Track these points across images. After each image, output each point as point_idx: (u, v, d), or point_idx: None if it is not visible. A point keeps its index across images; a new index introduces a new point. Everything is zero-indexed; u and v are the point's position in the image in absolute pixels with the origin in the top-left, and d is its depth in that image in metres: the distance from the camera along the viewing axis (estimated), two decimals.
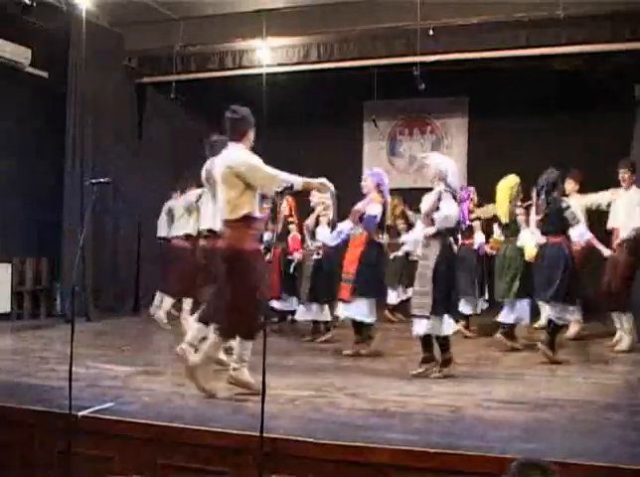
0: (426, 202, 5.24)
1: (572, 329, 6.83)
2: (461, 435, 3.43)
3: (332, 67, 8.69)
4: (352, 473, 3.26)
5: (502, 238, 6.68)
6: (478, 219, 7.28)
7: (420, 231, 5.31)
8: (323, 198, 6.47)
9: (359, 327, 6.16)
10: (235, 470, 3.40)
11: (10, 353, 6.21)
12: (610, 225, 6.59)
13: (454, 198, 5.13)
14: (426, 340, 5.16)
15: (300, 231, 7.39)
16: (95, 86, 8.48)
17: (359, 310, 6.02)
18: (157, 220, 10.08)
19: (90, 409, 3.78)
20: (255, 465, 3.15)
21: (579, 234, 5.75)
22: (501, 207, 6.52)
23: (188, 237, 7.13)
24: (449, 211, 5.03)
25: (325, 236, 6.71)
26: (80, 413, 3.69)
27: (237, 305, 4.28)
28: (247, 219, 4.27)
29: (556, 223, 5.70)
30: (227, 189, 4.28)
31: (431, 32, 7.71)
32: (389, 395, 4.42)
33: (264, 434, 3.09)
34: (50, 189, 8.39)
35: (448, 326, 5.10)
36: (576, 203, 6.76)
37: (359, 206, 6.13)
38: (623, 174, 6.39)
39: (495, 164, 8.75)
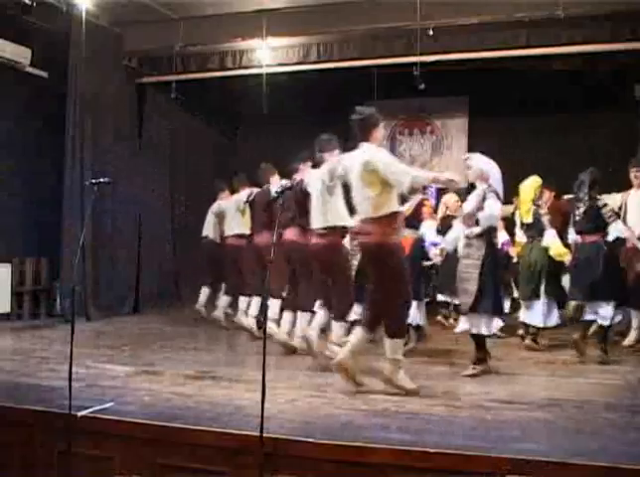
0: (469, 202, 5.26)
1: (631, 336, 6.47)
2: (461, 435, 3.43)
3: (332, 67, 8.68)
4: (352, 473, 3.26)
5: (524, 239, 6.66)
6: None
7: (459, 230, 5.36)
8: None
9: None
10: (235, 470, 3.40)
11: (10, 353, 6.21)
12: (613, 230, 6.44)
13: (497, 197, 5.16)
14: (478, 341, 5.23)
15: None
16: (95, 86, 8.47)
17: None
18: (157, 219, 10.12)
19: (90, 409, 3.79)
20: (255, 465, 3.15)
21: (617, 231, 5.75)
22: (524, 206, 6.52)
23: (241, 236, 7.41)
24: (493, 210, 5.07)
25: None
26: (80, 413, 3.69)
27: (389, 301, 4.40)
28: (391, 215, 4.39)
29: (593, 221, 5.72)
30: (365, 187, 4.38)
31: (431, 32, 7.70)
32: (389, 395, 4.42)
33: (264, 434, 3.09)
34: (50, 189, 8.38)
35: (490, 325, 5.15)
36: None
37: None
38: (636, 173, 6.34)
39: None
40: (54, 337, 6.97)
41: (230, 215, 7.78)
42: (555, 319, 6.43)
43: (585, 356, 5.67)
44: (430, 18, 7.61)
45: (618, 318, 6.01)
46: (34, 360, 5.61)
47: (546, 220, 6.40)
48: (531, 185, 6.49)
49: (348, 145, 4.76)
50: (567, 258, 6.21)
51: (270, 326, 5.80)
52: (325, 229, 5.35)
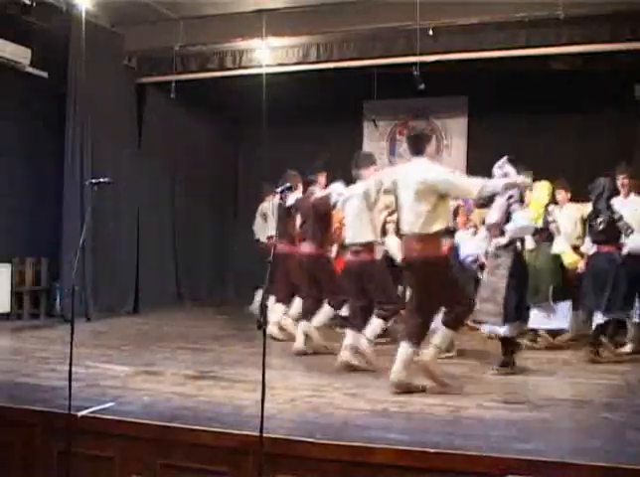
0: (494, 212, 5.27)
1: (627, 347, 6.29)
2: (461, 435, 3.43)
3: (332, 67, 8.68)
4: (352, 473, 3.26)
5: (532, 245, 6.63)
6: None
7: (483, 239, 5.45)
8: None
9: None
10: (235, 470, 3.41)
11: (10, 353, 6.21)
12: (631, 242, 6.04)
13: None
14: (504, 344, 5.29)
15: None
16: (95, 86, 8.46)
17: None
18: (157, 219, 10.13)
19: (90, 409, 3.78)
20: (255, 465, 3.15)
21: (636, 244, 5.73)
22: (535, 211, 6.50)
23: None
24: (523, 222, 5.14)
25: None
26: (80, 413, 3.69)
27: (453, 307, 4.54)
28: (439, 232, 4.49)
29: (608, 232, 5.72)
30: (420, 203, 4.43)
31: (431, 32, 7.71)
32: (389, 395, 4.42)
33: (264, 434, 3.09)
34: (50, 189, 8.38)
35: (509, 329, 5.21)
36: (570, 214, 6.73)
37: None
38: (623, 180, 6.12)
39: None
40: (54, 337, 6.97)
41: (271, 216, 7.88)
42: (563, 323, 6.43)
43: (602, 357, 5.70)
44: (430, 18, 7.62)
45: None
46: (34, 360, 5.61)
47: (554, 226, 6.38)
48: (545, 190, 6.48)
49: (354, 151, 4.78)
50: (580, 266, 6.24)
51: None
52: (362, 245, 5.40)
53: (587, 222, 6.00)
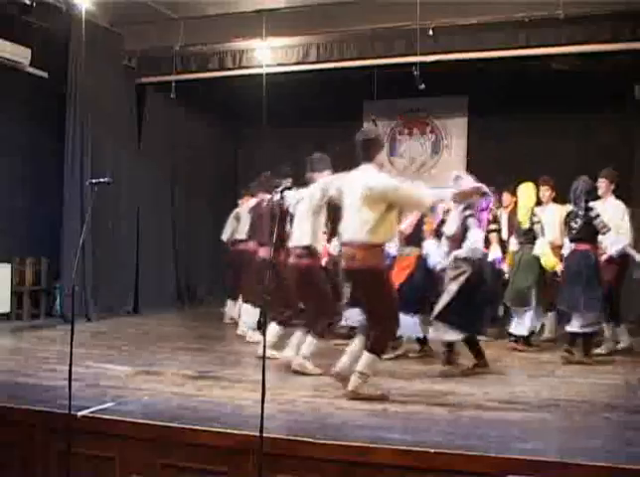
0: (452, 224, 5.28)
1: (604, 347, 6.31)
2: (461, 435, 3.43)
3: (332, 67, 8.68)
4: (352, 473, 3.26)
5: (516, 247, 6.62)
6: (496, 231, 7.01)
7: (440, 250, 5.46)
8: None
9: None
10: (235, 470, 3.40)
11: (10, 353, 6.22)
12: (606, 241, 6.10)
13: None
14: (470, 345, 5.35)
15: None
16: (95, 86, 8.47)
17: None
18: (157, 219, 10.13)
19: (90, 409, 3.78)
20: (255, 465, 3.15)
21: (612, 242, 5.74)
22: (521, 212, 6.50)
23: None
24: (477, 242, 5.15)
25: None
26: (80, 413, 3.69)
27: (378, 322, 4.37)
28: (382, 245, 4.37)
29: (585, 231, 5.73)
30: (365, 211, 4.26)
31: (431, 32, 7.71)
32: (389, 395, 4.42)
33: (264, 434, 3.09)
34: (50, 189, 8.38)
35: (453, 336, 5.22)
36: (553, 213, 6.69)
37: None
38: (600, 183, 6.29)
39: (495, 164, 8.77)
40: (54, 337, 6.98)
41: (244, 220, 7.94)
42: (537, 324, 6.44)
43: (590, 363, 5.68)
44: (430, 18, 7.62)
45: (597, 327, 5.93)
46: (34, 360, 5.61)
47: (538, 227, 6.37)
48: (529, 191, 6.48)
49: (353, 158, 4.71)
50: (559, 268, 6.21)
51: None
52: (304, 248, 5.27)
53: (566, 222, 5.96)
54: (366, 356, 4.33)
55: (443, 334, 5.28)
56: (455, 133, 10.98)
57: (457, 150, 10.93)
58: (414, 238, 6.03)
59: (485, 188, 4.69)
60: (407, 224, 6.06)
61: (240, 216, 8.18)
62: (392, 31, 8.05)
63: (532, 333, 6.52)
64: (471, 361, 5.36)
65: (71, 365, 3.46)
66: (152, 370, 5.24)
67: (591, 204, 5.83)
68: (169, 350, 6.26)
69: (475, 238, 5.13)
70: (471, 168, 10.34)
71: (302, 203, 5.38)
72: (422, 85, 7.96)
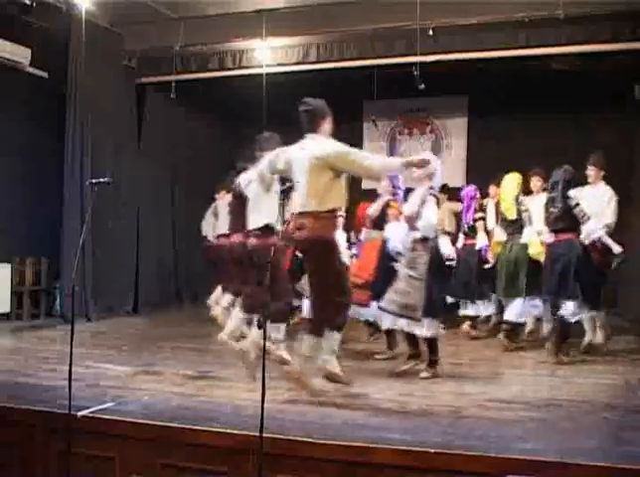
0: (411, 204, 5.10)
1: (599, 335, 6.25)
2: (461, 435, 3.43)
3: (332, 67, 8.69)
4: (352, 473, 3.26)
5: (504, 237, 6.64)
6: (482, 219, 7.17)
7: (401, 231, 5.22)
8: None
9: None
10: (235, 470, 3.40)
11: (10, 353, 6.21)
12: (586, 229, 6.00)
13: (437, 200, 5.08)
14: (410, 338, 5.20)
15: None
16: (95, 86, 8.47)
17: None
18: (157, 219, 10.13)
19: (90, 409, 3.78)
20: (255, 465, 3.15)
21: (590, 231, 5.73)
22: (505, 203, 6.50)
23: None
24: (431, 220, 4.96)
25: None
26: (80, 413, 3.69)
27: (326, 296, 4.21)
28: (334, 211, 4.20)
29: (566, 220, 5.70)
30: (314, 180, 4.13)
31: (431, 32, 7.72)
32: (389, 395, 4.42)
33: (264, 434, 3.09)
34: (50, 189, 8.39)
35: (431, 328, 5.02)
36: (543, 202, 6.70)
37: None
38: (589, 171, 6.27)
39: (495, 164, 8.76)
40: (54, 337, 6.98)
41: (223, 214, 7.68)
42: (533, 314, 6.42)
43: (560, 358, 5.64)
44: (430, 18, 7.62)
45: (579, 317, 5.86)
46: (34, 360, 5.61)
47: (526, 216, 6.35)
48: (513, 181, 6.46)
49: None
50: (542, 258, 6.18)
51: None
52: (261, 229, 5.12)
53: (546, 211, 5.92)
54: (334, 334, 4.21)
55: (412, 327, 5.05)
56: (455, 133, 10.99)
57: (457, 150, 10.94)
58: (381, 223, 5.93)
59: (432, 162, 4.39)
60: (374, 207, 5.99)
61: (219, 211, 8.00)
62: (392, 31, 8.06)
63: (520, 324, 6.46)
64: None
65: (71, 365, 3.46)
66: (152, 370, 5.24)
67: (573, 192, 5.77)
68: (169, 350, 6.26)
69: (429, 214, 4.96)
70: (471, 168, 10.43)
71: (253, 183, 5.21)
72: (422, 85, 7.97)
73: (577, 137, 9.40)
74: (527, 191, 6.70)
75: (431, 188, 5.02)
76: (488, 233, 7.17)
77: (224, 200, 7.81)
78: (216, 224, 8.07)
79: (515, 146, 9.75)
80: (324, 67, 8.71)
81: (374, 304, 5.74)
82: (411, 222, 5.09)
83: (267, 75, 8.65)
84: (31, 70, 8.26)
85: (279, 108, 9.17)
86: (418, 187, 5.06)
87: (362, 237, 6.29)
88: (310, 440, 3.30)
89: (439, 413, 3.96)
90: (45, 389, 4.40)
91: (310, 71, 8.82)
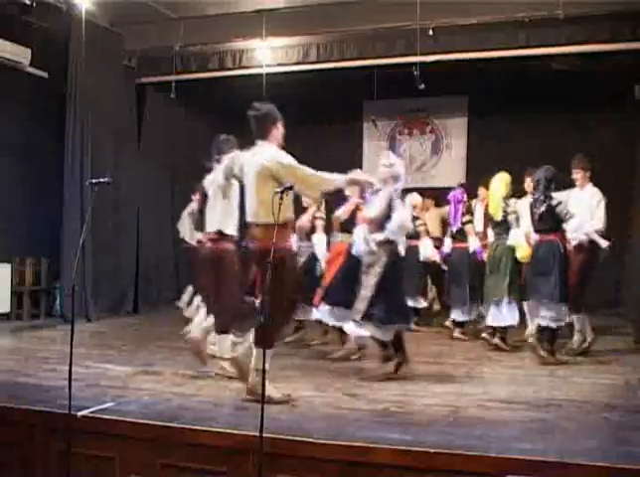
0: (375, 206, 5.03)
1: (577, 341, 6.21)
2: (461, 435, 3.43)
3: (332, 67, 8.69)
4: (352, 473, 3.26)
5: (492, 238, 6.60)
6: (471, 222, 7.09)
7: (363, 234, 5.13)
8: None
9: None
10: (234, 470, 3.40)
11: (10, 353, 6.21)
12: (569, 227, 5.94)
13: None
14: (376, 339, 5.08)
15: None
16: (95, 86, 8.48)
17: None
18: (157, 220, 10.12)
19: (90, 409, 3.79)
20: (255, 465, 3.15)
21: (575, 227, 5.70)
22: (493, 204, 6.47)
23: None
24: (404, 220, 4.90)
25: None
26: (80, 413, 3.69)
27: (275, 310, 4.02)
28: (284, 224, 4.06)
29: (548, 220, 5.66)
30: (261, 190, 4.08)
31: (431, 32, 7.72)
32: (389, 395, 4.42)
33: (264, 434, 3.09)
34: (50, 189, 8.39)
35: (387, 333, 4.94)
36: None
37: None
38: (576, 174, 6.24)
39: (495, 164, 8.75)
40: (54, 337, 6.98)
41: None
42: (515, 318, 6.31)
43: (546, 360, 5.60)
44: (430, 18, 7.62)
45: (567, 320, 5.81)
46: (34, 360, 5.61)
47: (512, 218, 6.30)
48: (500, 182, 6.42)
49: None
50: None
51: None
52: (216, 233, 5.06)
53: (531, 212, 5.87)
54: (256, 352, 4.07)
55: (375, 333, 4.96)
56: (455, 133, 10.99)
57: (457, 150, 10.94)
58: (349, 226, 5.88)
59: (376, 184, 4.51)
60: (343, 210, 5.97)
61: (195, 212, 7.93)
62: (392, 31, 8.06)
63: (505, 328, 6.40)
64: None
65: (71, 365, 3.46)
66: (152, 370, 5.24)
67: (562, 195, 5.76)
68: (169, 350, 6.26)
69: (401, 217, 4.87)
70: (471, 168, 10.44)
71: (214, 185, 5.17)
72: (422, 85, 7.97)
73: (577, 137, 9.39)
74: (522, 192, 6.68)
75: (396, 190, 4.95)
76: (477, 234, 7.13)
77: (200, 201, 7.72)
78: (191, 225, 7.94)
79: (515, 146, 9.75)
80: (324, 67, 8.71)
81: (323, 306, 5.83)
82: (374, 224, 5.03)
83: (267, 75, 8.65)
84: (31, 70, 8.26)
85: (279, 108, 9.20)
86: (383, 190, 4.97)
87: (331, 240, 6.31)
88: (310, 440, 3.31)
89: (439, 413, 3.96)
90: (45, 389, 4.40)
91: (310, 71, 8.82)
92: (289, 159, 4.15)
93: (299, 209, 6.72)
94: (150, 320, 8.64)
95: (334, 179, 4.18)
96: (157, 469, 3.55)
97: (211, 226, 5.16)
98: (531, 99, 9.27)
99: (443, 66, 8.28)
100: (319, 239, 6.74)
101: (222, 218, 5.05)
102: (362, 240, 5.22)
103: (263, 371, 3.38)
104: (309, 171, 4.12)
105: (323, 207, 6.84)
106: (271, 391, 4.07)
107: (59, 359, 5.36)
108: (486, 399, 4.33)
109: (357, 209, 5.88)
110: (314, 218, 6.75)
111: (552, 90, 9.08)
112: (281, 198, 3.62)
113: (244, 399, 4.13)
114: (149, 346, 6.48)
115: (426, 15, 7.52)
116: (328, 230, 6.72)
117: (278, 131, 4.27)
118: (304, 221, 6.54)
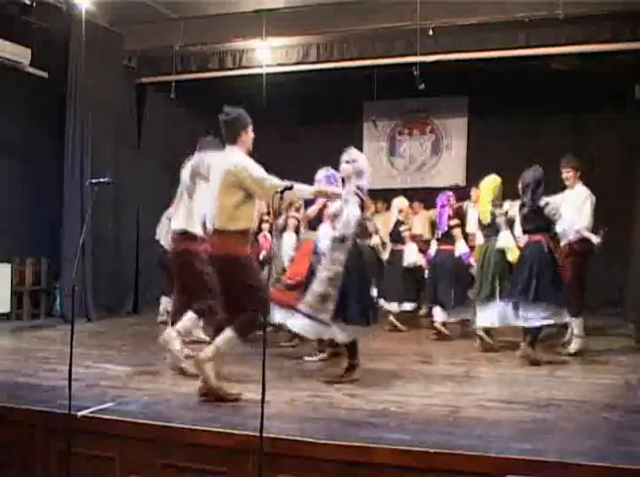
0: (336, 202, 4.92)
1: (574, 344, 6.17)
2: (461, 435, 3.43)
3: (332, 67, 8.69)
4: (352, 473, 3.26)
5: (482, 241, 6.56)
6: (458, 226, 7.03)
7: (326, 231, 5.12)
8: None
9: None
10: (234, 470, 3.40)
11: (10, 353, 6.22)
12: (559, 228, 5.90)
13: (361, 201, 4.82)
14: (351, 347, 4.93)
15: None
16: (95, 86, 8.48)
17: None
18: (157, 219, 10.07)
19: (90, 409, 3.78)
20: (255, 465, 3.15)
21: (566, 226, 5.69)
22: (482, 207, 6.44)
23: None
24: (351, 217, 4.72)
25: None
26: (80, 413, 3.69)
27: (237, 312, 4.10)
28: (244, 231, 4.10)
29: (535, 220, 5.64)
30: (224, 196, 4.06)
31: (431, 32, 7.73)
32: (388, 395, 4.42)
33: (264, 434, 3.09)
34: (50, 189, 8.39)
35: (344, 334, 4.78)
36: None
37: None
38: (566, 174, 6.22)
39: (495, 164, 8.75)
40: (54, 337, 6.98)
41: None
42: (510, 320, 6.13)
43: (541, 363, 5.58)
44: (430, 18, 7.63)
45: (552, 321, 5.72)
46: (34, 360, 5.61)
47: (500, 221, 6.24)
48: (488, 185, 6.37)
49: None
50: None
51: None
52: (180, 233, 5.05)
53: (520, 213, 5.83)
54: (232, 334, 4.11)
55: (336, 334, 4.78)
56: (455, 133, 11.00)
57: (457, 150, 10.95)
58: (317, 224, 5.86)
59: (340, 195, 4.54)
60: (312, 208, 5.93)
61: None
62: (392, 31, 8.06)
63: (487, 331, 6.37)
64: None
65: (71, 365, 3.46)
66: (152, 370, 5.24)
67: (556, 198, 5.75)
68: (169, 350, 6.24)
69: (352, 214, 4.71)
70: (471, 168, 10.44)
71: (182, 184, 5.14)
72: (422, 85, 7.97)
73: (577, 137, 9.40)
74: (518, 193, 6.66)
75: (358, 187, 4.82)
76: (466, 237, 7.07)
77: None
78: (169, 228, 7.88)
79: (515, 146, 9.75)
80: (324, 67, 8.71)
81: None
82: (333, 221, 4.97)
83: (267, 75, 8.65)
84: (31, 70, 8.27)
85: (279, 108, 9.22)
86: (346, 185, 4.87)
87: (300, 237, 6.31)
88: (310, 440, 3.30)
89: (439, 413, 3.96)
90: (45, 389, 4.40)
91: (310, 71, 8.82)
92: (252, 167, 4.08)
93: (304, 203, 6.72)
94: (150, 320, 8.62)
95: (301, 190, 4.17)
96: (157, 469, 3.55)
97: (176, 225, 5.16)
98: (531, 100, 9.27)
99: (443, 66, 8.29)
100: (288, 238, 6.74)
101: (187, 217, 5.05)
102: (325, 237, 5.20)
103: (263, 375, 3.36)
104: (278, 181, 3.97)
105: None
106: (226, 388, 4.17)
107: (59, 359, 5.36)
108: (486, 399, 4.32)
109: (324, 207, 5.81)
110: (288, 217, 6.71)
111: (552, 91, 9.08)
112: (281, 198, 3.62)
113: (203, 399, 4.19)
114: (149, 346, 6.46)
115: (426, 15, 7.53)
116: (298, 230, 6.71)
117: (248, 136, 4.21)
118: (313, 210, 6.23)
